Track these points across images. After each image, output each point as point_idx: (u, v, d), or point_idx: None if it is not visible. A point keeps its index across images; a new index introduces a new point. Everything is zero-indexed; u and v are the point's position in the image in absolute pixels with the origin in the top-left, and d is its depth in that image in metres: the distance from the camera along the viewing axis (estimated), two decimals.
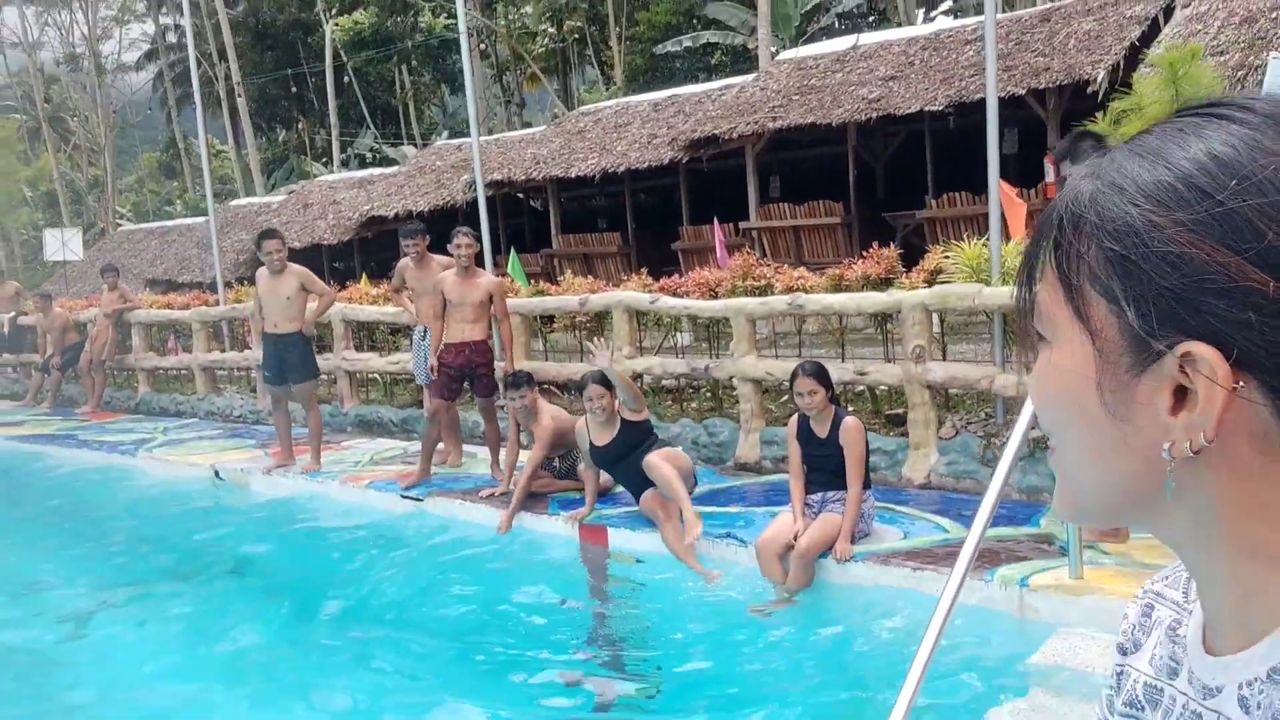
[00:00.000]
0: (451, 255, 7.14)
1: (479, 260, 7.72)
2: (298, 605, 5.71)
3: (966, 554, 3.47)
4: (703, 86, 16.27)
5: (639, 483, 5.77)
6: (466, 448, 8.22)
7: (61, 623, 5.69)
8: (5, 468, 10.09)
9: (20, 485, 9.45)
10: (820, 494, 5.15)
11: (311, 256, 20.05)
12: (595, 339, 6.43)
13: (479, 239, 7.51)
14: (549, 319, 8.89)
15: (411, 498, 6.91)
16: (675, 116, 15.16)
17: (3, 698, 4.78)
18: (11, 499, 9.00)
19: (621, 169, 14.76)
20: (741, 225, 13.68)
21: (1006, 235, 6.42)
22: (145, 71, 44.11)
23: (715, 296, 7.62)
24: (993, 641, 4.28)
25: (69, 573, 6.58)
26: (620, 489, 6.28)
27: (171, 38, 41.56)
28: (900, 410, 6.70)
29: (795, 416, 5.26)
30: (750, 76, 15.58)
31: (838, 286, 7.00)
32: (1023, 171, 11.49)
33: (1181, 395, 0.58)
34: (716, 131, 13.44)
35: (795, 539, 5.01)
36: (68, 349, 13.09)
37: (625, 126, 15.79)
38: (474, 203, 16.92)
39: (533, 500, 6.46)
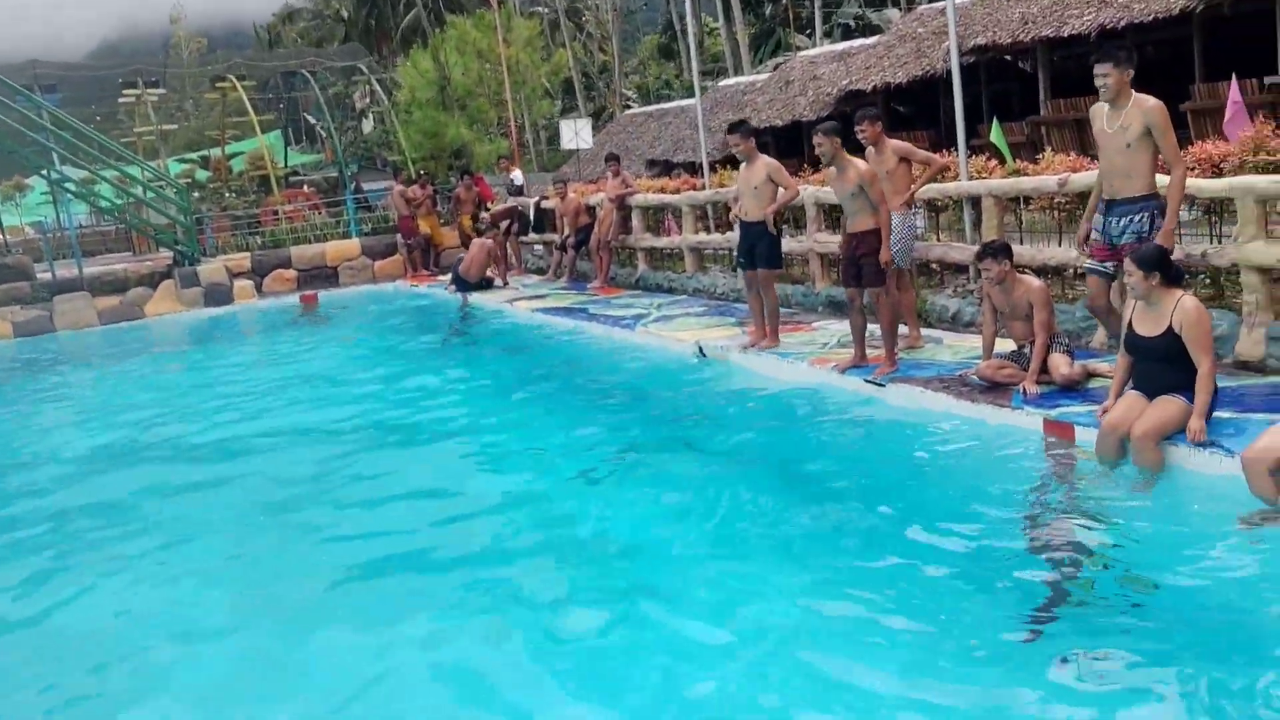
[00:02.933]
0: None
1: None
2: (757, 477, 6.16)
3: None
4: None
5: (1158, 385, 5.30)
6: (930, 332, 8.21)
7: (565, 471, 6.66)
8: (533, 336, 11.78)
9: (542, 350, 10.99)
10: None
11: (791, 134, 20.55)
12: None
13: (833, 131, 7.29)
14: (1025, 199, 8.46)
15: (874, 382, 7.09)
16: None
17: (526, 529, 5.76)
18: (536, 361, 10.52)
19: (1123, 24, 13.34)
20: (1268, 80, 11.85)
21: None
22: None
23: (1219, 174, 6.80)
24: None
25: (578, 427, 7.64)
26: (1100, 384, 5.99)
27: None
28: None
29: None
30: None
31: None
32: None
33: None
34: None
35: None
36: (580, 230, 14.72)
37: None
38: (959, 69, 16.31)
39: (995, 391, 6.37)
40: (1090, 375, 6.30)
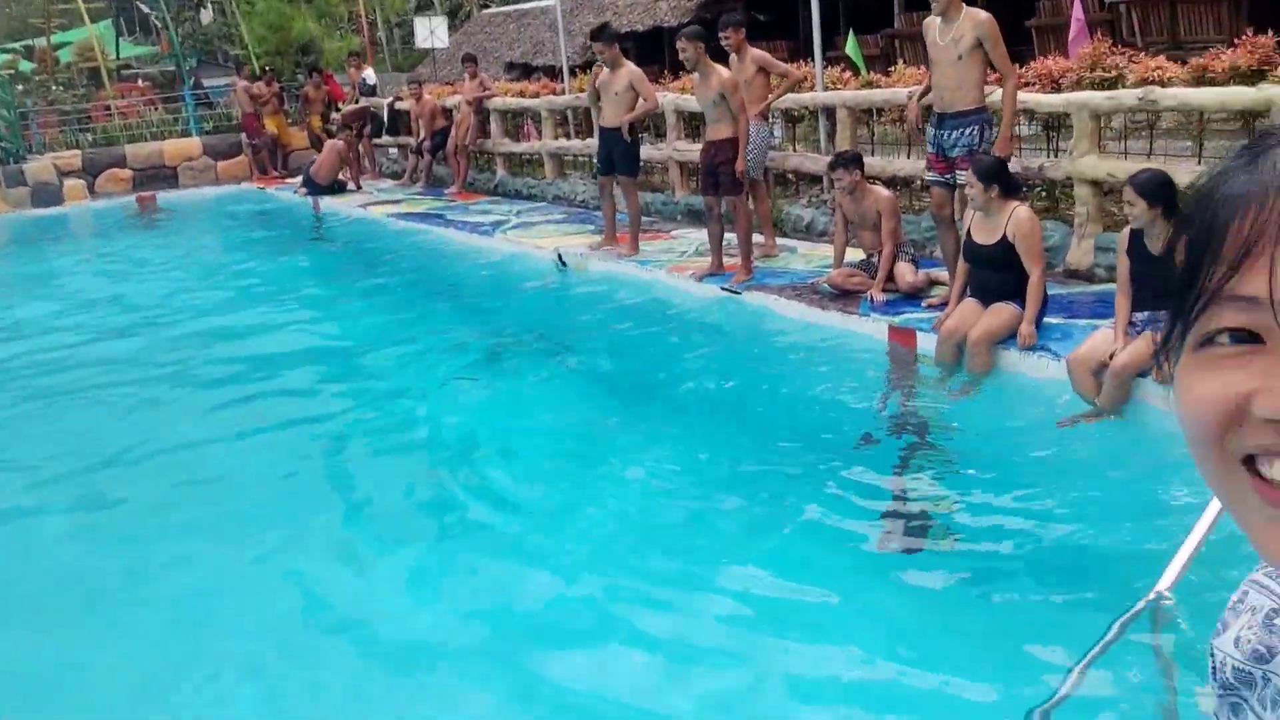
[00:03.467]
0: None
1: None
2: (612, 384, 6.27)
3: None
4: None
5: (993, 292, 5.54)
6: (785, 241, 8.38)
7: (422, 378, 6.66)
8: (389, 242, 11.50)
9: (399, 257, 10.76)
10: (1148, 312, 4.87)
11: (653, 39, 20.30)
12: None
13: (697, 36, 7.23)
14: (878, 111, 8.64)
15: (730, 290, 7.21)
16: None
17: (371, 430, 5.75)
18: (393, 268, 10.31)
19: None
20: None
21: None
22: None
23: (1058, 89, 7.08)
24: None
25: (436, 335, 7.58)
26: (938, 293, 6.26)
27: None
28: None
29: (1126, 228, 4.94)
30: None
31: (1200, 79, 6.29)
32: None
33: None
34: None
35: (1111, 357, 4.82)
36: (436, 133, 14.33)
37: None
38: None
39: (844, 299, 6.57)
40: (933, 283, 6.56)
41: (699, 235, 9.18)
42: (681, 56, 7.25)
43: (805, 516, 4.32)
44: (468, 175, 13.83)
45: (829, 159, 7.41)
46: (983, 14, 5.87)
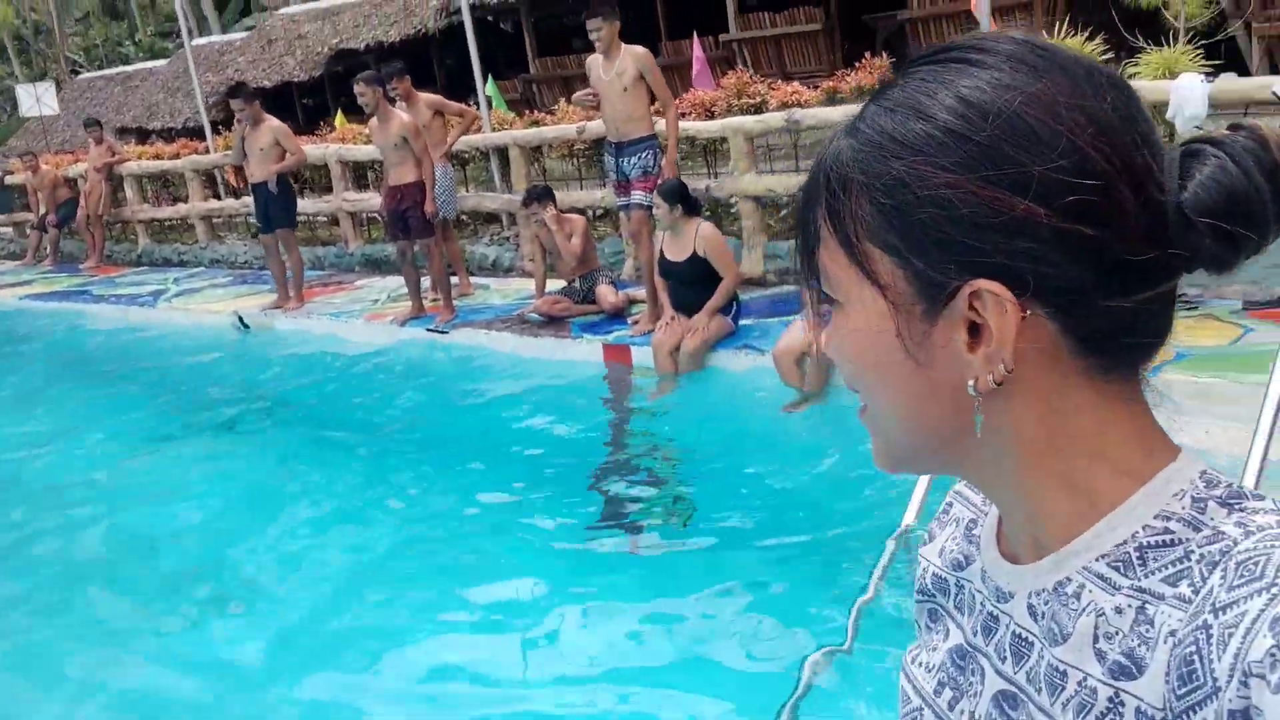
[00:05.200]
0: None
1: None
2: (327, 440, 6.07)
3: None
4: None
5: (692, 304, 5.94)
6: (477, 279, 8.55)
7: (105, 466, 6.00)
8: (29, 326, 10.34)
9: (48, 342, 9.73)
10: None
11: (283, 96, 19.75)
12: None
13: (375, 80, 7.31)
14: (549, 147, 9.04)
15: (437, 330, 7.27)
16: None
17: (42, 542, 5.08)
18: (45, 355, 9.27)
19: None
20: (722, 38, 13.59)
21: None
22: None
23: (711, 116, 7.80)
24: None
25: (109, 422, 6.87)
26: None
27: None
28: None
29: None
30: None
31: (832, 99, 7.20)
32: None
33: (976, 331, 0.60)
34: None
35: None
36: (61, 205, 13.13)
37: None
38: (447, 30, 16.68)
39: (554, 325, 6.85)
40: (632, 302, 6.99)
41: (384, 283, 9.14)
42: (360, 101, 7.24)
43: (544, 533, 4.52)
44: (104, 247, 12.78)
45: (512, 197, 7.68)
46: (640, 49, 6.40)
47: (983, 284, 0.58)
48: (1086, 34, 6.39)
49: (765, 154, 8.60)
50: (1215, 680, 0.52)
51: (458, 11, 16.11)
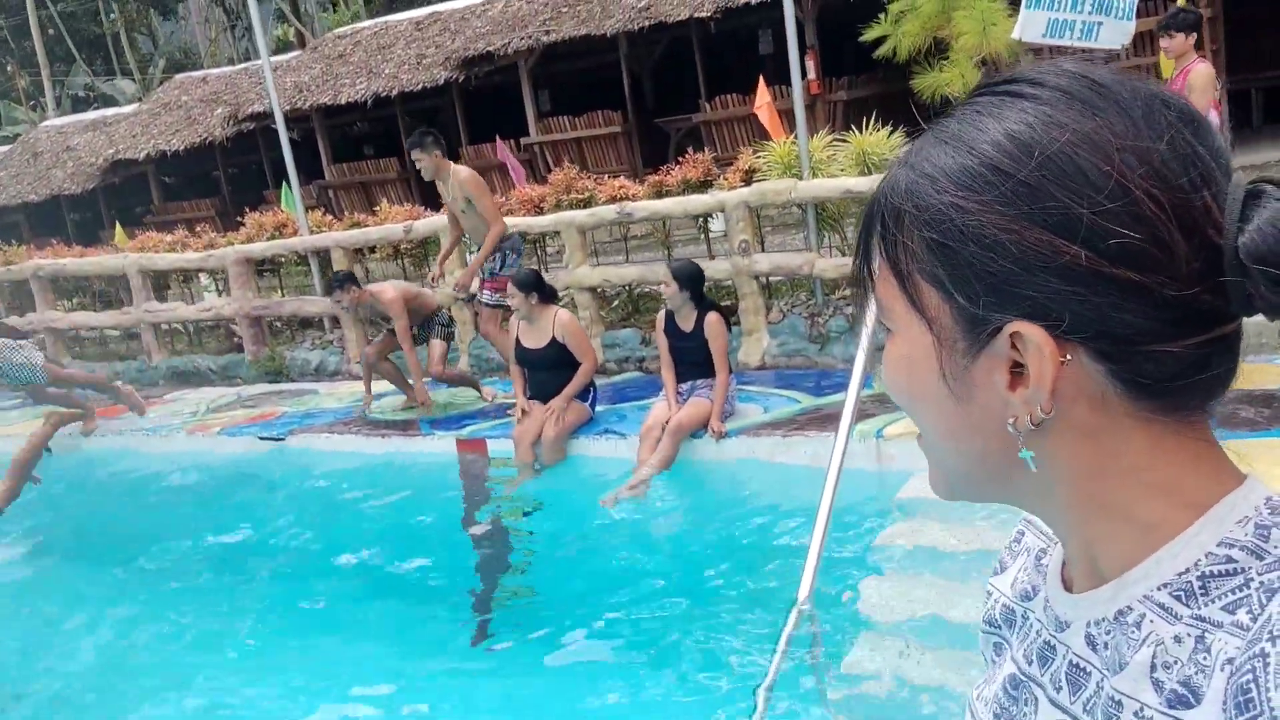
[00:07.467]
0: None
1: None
2: (169, 563, 5.69)
3: (846, 417, 4.04)
4: (464, 2, 16.05)
5: (552, 391, 5.96)
6: (298, 386, 8.25)
7: None
8: None
9: None
10: (689, 383, 5.66)
11: (51, 210, 18.60)
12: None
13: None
14: (370, 249, 8.92)
15: (272, 438, 6.95)
16: (441, 35, 14.98)
17: None
18: None
19: (394, 92, 14.50)
20: (523, 141, 13.88)
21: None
22: None
23: (541, 212, 7.93)
24: (861, 491, 4.87)
25: None
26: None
27: None
28: (729, 302, 7.30)
29: (662, 312, 5.72)
30: None
31: (659, 193, 7.47)
32: (780, 70, 12.22)
33: (1018, 371, 0.59)
34: (490, 48, 13.48)
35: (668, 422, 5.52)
36: None
37: (389, 48, 15.45)
38: (234, 138, 16.25)
39: (401, 424, 6.68)
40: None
41: (198, 394, 8.67)
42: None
43: (406, 641, 4.40)
44: None
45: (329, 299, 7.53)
46: (465, 172, 6.67)
47: (1023, 327, 0.57)
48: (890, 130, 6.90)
49: (594, 250, 8.79)
50: (1272, 708, 0.51)
51: (246, 119, 15.80)
